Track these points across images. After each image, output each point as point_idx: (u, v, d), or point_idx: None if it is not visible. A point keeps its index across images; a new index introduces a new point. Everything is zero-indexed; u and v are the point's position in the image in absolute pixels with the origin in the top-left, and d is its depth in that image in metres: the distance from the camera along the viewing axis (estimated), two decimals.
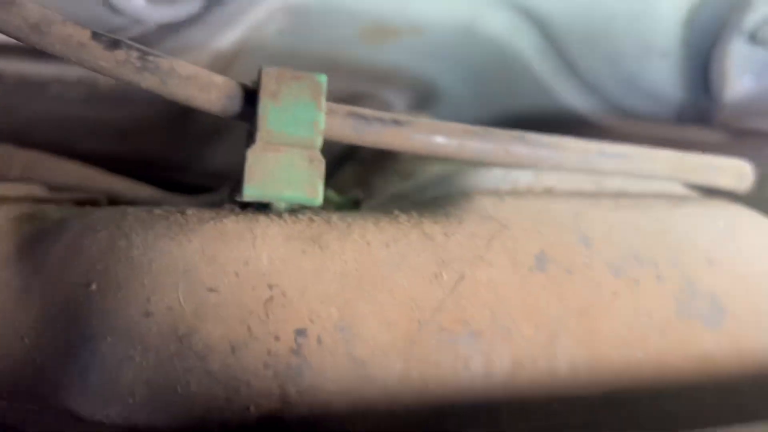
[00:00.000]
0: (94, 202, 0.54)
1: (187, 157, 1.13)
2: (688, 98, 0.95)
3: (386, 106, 0.84)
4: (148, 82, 0.36)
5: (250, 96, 0.37)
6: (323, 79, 0.38)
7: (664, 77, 0.92)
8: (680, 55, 0.88)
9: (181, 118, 0.98)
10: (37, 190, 0.49)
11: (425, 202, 0.44)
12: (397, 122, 0.40)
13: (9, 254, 0.35)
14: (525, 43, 0.97)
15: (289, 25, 0.91)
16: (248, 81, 0.40)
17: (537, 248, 0.40)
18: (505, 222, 0.41)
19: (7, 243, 0.35)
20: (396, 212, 0.41)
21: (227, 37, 0.79)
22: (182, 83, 0.36)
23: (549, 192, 0.46)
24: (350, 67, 1.01)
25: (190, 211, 0.36)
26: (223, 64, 0.87)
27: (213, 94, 0.37)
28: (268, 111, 0.37)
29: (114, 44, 0.36)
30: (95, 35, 0.36)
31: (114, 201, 0.63)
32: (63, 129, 0.96)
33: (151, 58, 0.36)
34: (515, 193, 0.45)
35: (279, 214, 0.37)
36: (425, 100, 1.06)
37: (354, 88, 1.01)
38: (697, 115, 0.99)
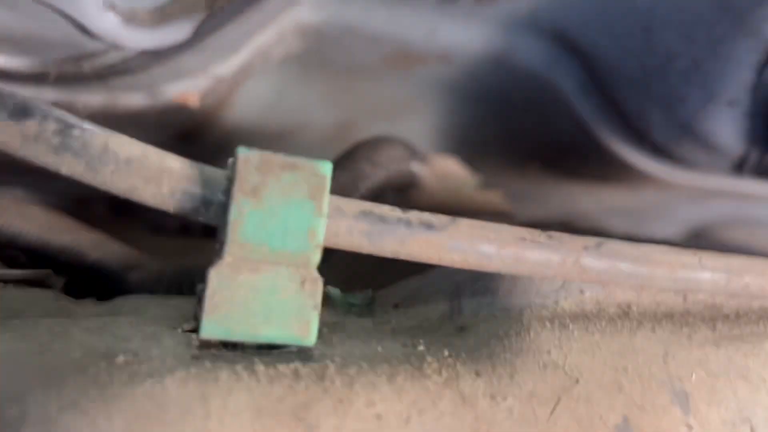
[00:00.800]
0: (42, 283, 0.42)
1: None
2: (749, 149, 0.82)
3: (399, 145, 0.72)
4: (69, 166, 0.24)
5: (220, 190, 0.26)
6: (327, 168, 0.26)
7: (727, 126, 0.79)
8: (748, 103, 0.76)
9: (185, 141, 0.88)
10: None
11: (460, 325, 0.32)
12: (428, 226, 0.28)
13: None
14: (565, 78, 0.84)
15: (302, 49, 0.80)
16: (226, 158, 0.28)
17: (618, 414, 0.28)
18: (575, 372, 0.29)
19: None
20: (420, 347, 0.29)
21: (228, 63, 0.68)
22: (120, 170, 0.24)
23: (626, 313, 0.34)
24: (368, 95, 0.91)
25: (122, 358, 0.24)
26: (224, 90, 0.76)
27: (165, 186, 0.25)
28: (244, 215, 0.25)
29: (23, 111, 0.24)
30: None
31: (77, 262, 0.52)
32: None
33: (76, 132, 0.24)
34: (583, 314, 0.33)
35: (251, 363, 0.25)
36: (450, 136, 0.95)
37: (368, 119, 0.90)
38: (758, 167, 0.87)
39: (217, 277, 0.25)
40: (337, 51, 0.84)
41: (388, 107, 0.93)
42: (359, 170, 0.54)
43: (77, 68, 0.53)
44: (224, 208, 0.25)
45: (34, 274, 0.42)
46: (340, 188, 0.53)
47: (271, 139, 0.95)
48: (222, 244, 0.25)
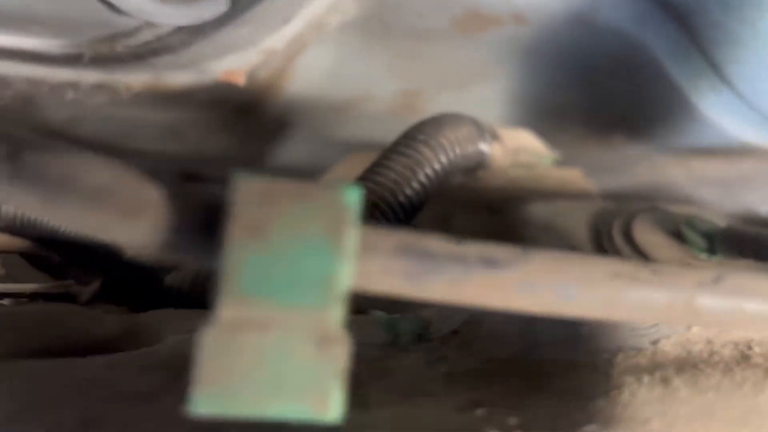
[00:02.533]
0: (65, 296, 0.38)
1: (252, 155, 0.99)
2: None
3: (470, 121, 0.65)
4: (19, 198, 0.18)
5: (212, 226, 0.19)
6: (353, 196, 0.20)
7: None
8: None
9: (241, 117, 0.84)
10: None
11: (533, 374, 0.25)
12: (490, 262, 0.21)
13: None
14: (656, 37, 0.74)
15: (360, 16, 0.73)
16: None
17: None
18: None
19: None
20: (480, 411, 0.23)
21: (279, 35, 0.62)
22: (83, 203, 0.19)
23: (746, 357, 0.26)
24: (435, 63, 0.83)
25: None
26: (279, 63, 0.70)
27: (142, 224, 0.19)
28: (244, 260, 0.19)
29: None
30: None
31: (113, 259, 0.48)
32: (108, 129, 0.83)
33: (27, 155, 0.18)
34: (690, 360, 0.25)
35: None
36: (526, 105, 0.86)
37: (436, 89, 0.83)
38: None
39: (210, 340, 0.19)
40: (400, 15, 0.76)
41: (458, 75, 0.85)
42: (418, 155, 0.47)
43: (111, 48, 0.48)
44: (214, 250, 0.19)
45: (56, 287, 0.38)
46: (394, 178, 0.47)
47: (333, 111, 0.88)
48: (217, 296, 0.19)
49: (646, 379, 0.24)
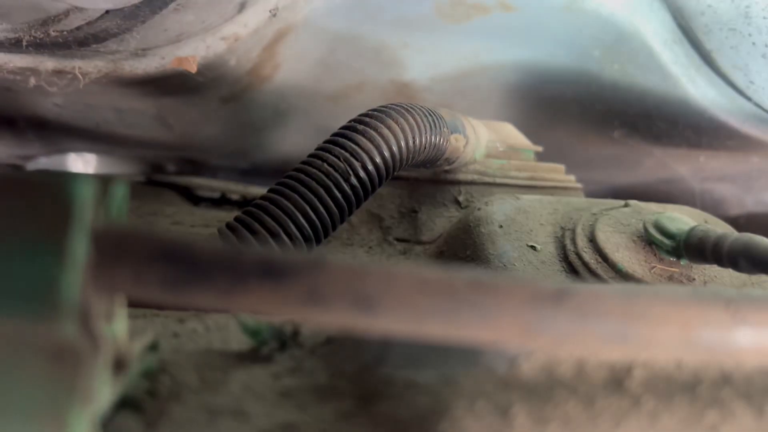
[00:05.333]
0: None
1: (245, 144, 0.98)
2: None
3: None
4: None
5: None
6: (83, 190, 0.16)
7: None
8: None
9: (230, 106, 0.82)
10: None
11: (367, 392, 0.22)
12: (269, 271, 0.18)
13: None
14: (650, 26, 0.69)
15: (339, 4, 0.70)
16: None
17: None
18: None
19: None
20: None
21: (238, 22, 0.59)
22: None
23: (617, 382, 0.22)
24: (423, 52, 0.80)
25: None
26: (259, 52, 0.68)
27: None
28: None
29: None
30: None
31: None
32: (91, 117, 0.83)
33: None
34: (546, 382, 0.21)
35: None
36: (520, 97, 0.82)
37: (425, 77, 0.79)
38: None
39: None
40: (380, 5, 0.73)
41: (448, 65, 0.81)
42: (354, 145, 0.44)
43: (45, 33, 0.46)
44: None
45: None
46: (327, 170, 0.43)
47: (327, 100, 0.86)
48: None
49: (480, 405, 0.21)
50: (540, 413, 0.20)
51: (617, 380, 0.22)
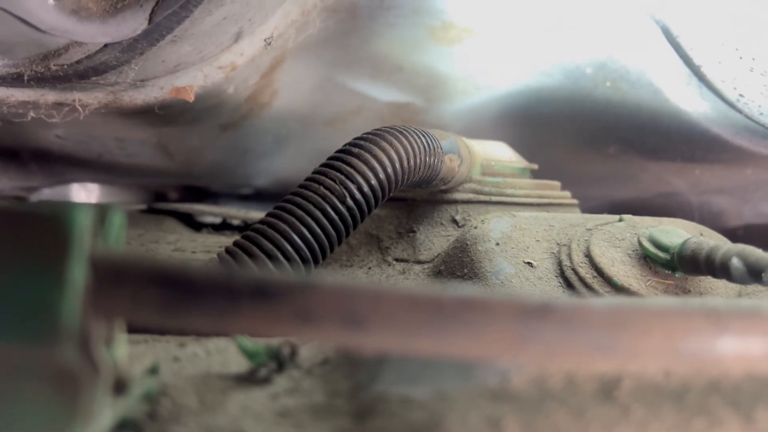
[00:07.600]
0: None
1: (244, 171, 0.99)
2: None
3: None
4: None
5: None
6: (80, 219, 0.17)
7: None
8: None
9: (230, 133, 0.83)
10: None
11: (360, 410, 0.22)
12: (260, 293, 0.18)
13: None
14: (640, 42, 0.71)
15: (331, 29, 0.71)
16: None
17: None
18: None
19: None
20: None
21: (234, 51, 0.60)
22: None
23: (607, 392, 0.23)
24: (418, 74, 0.81)
25: None
26: (257, 80, 0.69)
27: None
28: None
29: None
30: None
31: None
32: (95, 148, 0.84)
33: None
34: (537, 395, 0.22)
35: None
36: (516, 116, 0.83)
37: (422, 99, 0.80)
38: None
39: None
40: (374, 26, 0.74)
41: (443, 87, 0.82)
42: (349, 168, 0.45)
43: (46, 67, 0.47)
44: None
45: None
46: (323, 192, 0.44)
47: (325, 125, 0.87)
48: None
49: (472, 417, 0.21)
50: (531, 424, 0.21)
51: (606, 390, 0.23)
